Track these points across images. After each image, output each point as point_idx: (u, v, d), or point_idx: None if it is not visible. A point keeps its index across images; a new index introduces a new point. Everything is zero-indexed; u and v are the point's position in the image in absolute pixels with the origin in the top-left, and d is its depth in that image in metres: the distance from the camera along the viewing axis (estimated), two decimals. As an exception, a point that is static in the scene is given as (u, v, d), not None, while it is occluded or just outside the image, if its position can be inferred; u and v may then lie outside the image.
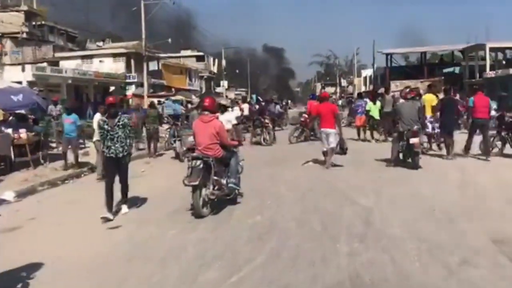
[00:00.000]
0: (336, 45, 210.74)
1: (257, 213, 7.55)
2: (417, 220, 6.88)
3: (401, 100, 13.55)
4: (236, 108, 20.81)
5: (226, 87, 68.29)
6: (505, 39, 38.86)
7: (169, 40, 42.20)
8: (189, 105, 31.24)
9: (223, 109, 12.21)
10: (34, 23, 44.34)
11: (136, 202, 8.74)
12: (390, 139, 15.98)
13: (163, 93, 42.52)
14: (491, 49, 36.53)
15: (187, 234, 6.68)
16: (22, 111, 15.55)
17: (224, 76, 68.51)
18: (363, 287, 4.70)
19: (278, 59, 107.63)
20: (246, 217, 7.37)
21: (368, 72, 60.15)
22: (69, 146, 13.03)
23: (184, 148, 14.75)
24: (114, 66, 44.50)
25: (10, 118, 15.03)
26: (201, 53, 69.74)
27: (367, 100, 19.43)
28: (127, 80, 43.90)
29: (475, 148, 12.84)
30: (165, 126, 20.05)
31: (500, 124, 13.29)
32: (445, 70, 41.89)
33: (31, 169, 12.90)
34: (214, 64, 72.34)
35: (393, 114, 13.05)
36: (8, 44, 36.97)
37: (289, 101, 53.45)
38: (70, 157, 13.15)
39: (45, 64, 34.36)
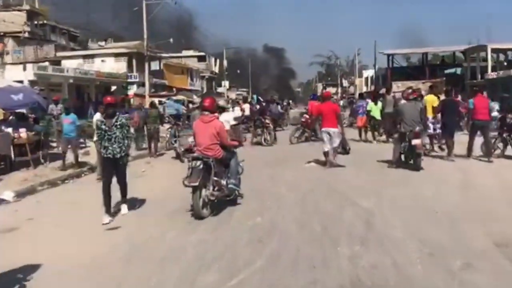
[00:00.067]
0: (337, 46, 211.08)
1: (257, 215, 7.49)
2: (419, 222, 6.81)
3: (403, 101, 13.49)
4: (237, 108, 20.75)
5: (227, 87, 68.29)
6: (507, 40, 38.76)
7: (171, 40, 42.14)
8: (191, 105, 31.20)
9: (221, 110, 12.16)
10: (36, 22, 44.41)
11: (136, 202, 8.69)
12: (391, 140, 15.94)
13: (164, 93, 42.46)
14: (493, 50, 36.44)
15: (187, 235, 6.63)
16: (23, 110, 15.50)
17: (225, 76, 68.49)
18: (364, 291, 4.64)
19: (278, 59, 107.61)
20: (246, 218, 7.31)
21: (369, 73, 60.08)
22: (69, 146, 12.98)
23: (182, 149, 14.73)
24: (115, 66, 44.52)
25: (11, 117, 14.98)
26: (202, 53, 69.76)
27: (369, 100, 19.36)
28: (129, 80, 43.93)
29: (477, 150, 12.77)
30: (166, 126, 20.01)
31: (502, 125, 13.21)
32: (447, 71, 41.79)
33: (31, 169, 12.85)
34: (215, 64, 72.36)
35: (395, 114, 12.97)
36: (10, 43, 37.00)
37: (290, 101, 53.30)
38: (70, 157, 13.10)
39: (46, 63, 34.39)
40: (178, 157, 14.69)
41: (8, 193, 9.88)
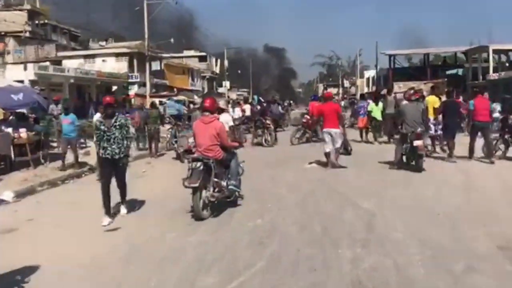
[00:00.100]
0: (338, 46, 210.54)
1: (258, 216, 7.44)
2: (420, 224, 6.76)
3: (404, 102, 13.44)
4: (238, 109, 20.70)
5: (228, 87, 68.28)
6: (509, 41, 38.67)
7: (172, 40, 42.13)
8: (191, 105, 31.17)
9: (220, 111, 12.10)
10: (37, 22, 44.40)
11: (136, 203, 8.65)
12: (392, 140, 15.90)
13: (165, 93, 42.46)
14: (494, 51, 36.37)
15: (187, 236, 6.59)
16: (23, 110, 15.47)
17: (226, 77, 68.48)
18: (365, 294, 4.60)
19: (279, 59, 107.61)
20: (247, 220, 7.27)
21: (371, 73, 60.03)
22: (69, 146, 12.94)
23: (181, 150, 14.70)
24: (116, 66, 44.55)
25: (11, 117, 14.95)
26: (203, 53, 69.75)
27: (370, 101, 19.30)
28: (130, 80, 43.95)
29: (479, 151, 12.71)
30: (167, 126, 19.98)
31: (504, 126, 13.16)
32: (448, 72, 41.72)
33: (31, 169, 12.81)
34: (216, 65, 72.35)
35: (396, 115, 12.93)
36: (11, 43, 36.99)
37: (292, 102, 53.26)
38: (71, 157, 13.07)
39: (47, 63, 34.39)
40: (178, 157, 14.65)
41: (7, 193, 9.83)
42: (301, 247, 5.88)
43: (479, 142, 12.72)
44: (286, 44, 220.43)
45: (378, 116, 17.75)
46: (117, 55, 45.98)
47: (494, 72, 33.99)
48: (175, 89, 46.88)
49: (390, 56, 43.61)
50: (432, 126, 13.58)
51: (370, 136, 18.37)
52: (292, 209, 7.98)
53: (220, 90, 67.92)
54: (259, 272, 5.17)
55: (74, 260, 5.83)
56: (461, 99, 19.46)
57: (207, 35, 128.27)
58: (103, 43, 57.04)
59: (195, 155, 7.78)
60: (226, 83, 67.99)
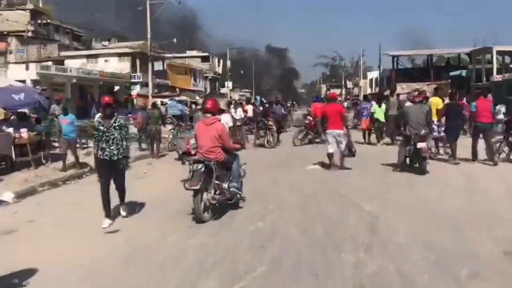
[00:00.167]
0: (341, 47, 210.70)
1: (259, 219, 7.37)
2: (424, 228, 6.67)
3: (408, 103, 13.35)
4: (239, 110, 20.64)
5: (231, 88, 68.22)
6: (513, 42, 38.48)
7: (174, 40, 42.09)
8: (193, 106, 31.11)
9: (220, 111, 12.03)
10: (39, 21, 44.39)
11: (137, 204, 8.58)
12: (395, 142, 15.79)
13: (167, 93, 42.45)
14: (498, 53, 36.16)
15: (187, 239, 6.51)
16: (25, 110, 15.43)
17: (229, 77, 68.43)
18: (368, 300, 4.52)
19: (281, 59, 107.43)
20: (248, 222, 7.19)
21: (374, 74, 59.85)
22: (68, 147, 12.89)
23: (180, 152, 14.62)
24: (119, 66, 44.60)
25: (12, 117, 14.91)
26: (206, 54, 69.74)
27: (373, 102, 19.18)
28: (132, 80, 43.98)
29: (482, 153, 12.60)
30: (168, 127, 19.94)
31: (508, 128, 13.04)
32: (452, 73, 41.52)
33: (32, 169, 12.76)
34: (219, 65, 72.33)
35: (400, 117, 12.83)
36: (13, 43, 36.98)
37: (295, 103, 53.15)
38: (71, 158, 13.01)
39: (49, 63, 34.40)
40: (180, 158, 14.58)
41: (7, 194, 9.78)
42: (303, 251, 5.81)
43: (483, 144, 12.61)
44: (289, 44, 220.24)
45: (381, 118, 17.64)
46: (120, 55, 46.01)
47: (498, 73, 33.78)
48: (177, 90, 46.89)
49: (393, 57, 43.42)
50: (435, 128, 13.47)
51: (373, 137, 18.27)
52: (294, 211, 7.90)
53: (223, 90, 67.90)
54: (260, 276, 5.10)
55: (74, 262, 5.77)
56: (464, 100, 19.36)
57: (210, 35, 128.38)
58: (106, 43, 57.08)
59: (196, 157, 7.71)
60: (229, 84, 67.95)
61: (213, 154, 7.55)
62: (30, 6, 42.61)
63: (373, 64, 68.56)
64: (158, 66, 47.11)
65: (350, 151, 11.87)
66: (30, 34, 39.21)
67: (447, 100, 14.22)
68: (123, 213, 7.87)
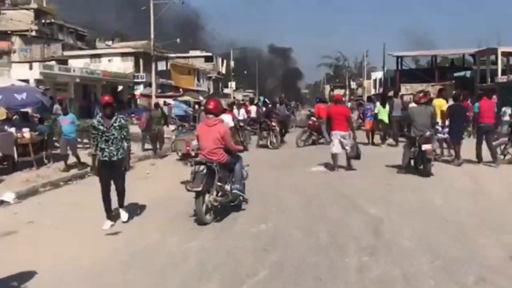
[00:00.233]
0: (345, 47, 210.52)
1: (262, 221, 7.28)
2: (429, 231, 6.56)
3: (412, 104, 13.23)
4: (243, 110, 20.55)
5: (234, 88, 68.14)
6: (518, 43, 38.29)
7: (178, 40, 42.04)
8: (197, 106, 31.06)
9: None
10: (43, 21, 44.44)
11: (138, 205, 8.50)
12: (399, 143, 15.67)
13: (170, 93, 42.42)
14: (503, 54, 35.96)
15: (189, 242, 6.42)
16: (28, 109, 15.37)
17: (232, 77, 68.35)
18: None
19: (285, 60, 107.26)
20: (250, 225, 7.10)
21: (378, 75, 59.70)
22: (68, 147, 12.82)
23: (179, 154, 14.56)
24: (122, 66, 44.62)
25: (15, 117, 14.85)
26: (209, 54, 69.69)
27: (378, 103, 19.04)
28: (135, 80, 43.96)
29: (487, 155, 12.46)
30: (172, 127, 19.87)
31: (513, 130, 12.93)
32: (456, 74, 41.35)
33: (34, 169, 12.69)
34: (222, 65, 72.28)
35: (405, 118, 12.72)
36: (17, 42, 36.97)
37: (299, 104, 52.96)
38: (73, 158, 12.95)
39: (53, 62, 34.40)
40: (180, 159, 14.54)
41: (8, 194, 9.70)
42: (306, 255, 5.72)
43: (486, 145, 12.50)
44: (293, 45, 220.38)
45: (385, 119, 17.50)
46: (123, 55, 46.05)
47: (502, 74, 33.60)
48: (180, 90, 46.84)
49: (397, 57, 43.29)
50: (439, 129, 13.35)
51: (377, 138, 18.15)
52: (297, 213, 7.81)
53: (226, 90, 67.86)
54: (262, 280, 5.01)
55: (74, 263, 5.72)
56: (469, 101, 19.22)
57: (213, 35, 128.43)
58: (110, 42, 57.12)
59: (198, 158, 7.62)
60: (232, 84, 67.86)
61: (215, 155, 7.45)
62: (34, 5, 42.70)
63: (377, 64, 68.42)
64: (162, 66, 47.07)
65: (356, 153, 11.76)
66: (33, 33, 39.24)
67: (451, 102, 14.09)
68: (123, 217, 7.66)
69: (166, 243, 6.43)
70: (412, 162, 11.29)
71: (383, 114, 17.53)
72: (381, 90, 48.54)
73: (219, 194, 7.43)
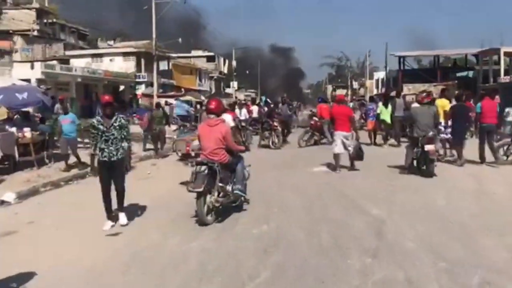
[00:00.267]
0: (347, 47, 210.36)
1: (263, 222, 7.23)
2: (432, 233, 6.50)
3: (415, 104, 13.15)
4: (244, 110, 20.47)
5: (236, 88, 68.08)
6: (520, 43, 38.17)
7: (180, 39, 41.99)
8: (198, 106, 31.05)
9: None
10: (45, 20, 44.43)
11: (139, 206, 8.46)
12: (402, 143, 15.59)
13: (172, 93, 42.38)
14: (506, 54, 35.83)
15: (189, 243, 6.38)
16: (29, 109, 15.33)
17: (234, 77, 68.29)
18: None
19: (287, 59, 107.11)
20: (252, 226, 7.05)
21: (380, 75, 59.59)
22: (68, 147, 12.78)
23: (179, 154, 14.50)
24: (124, 65, 44.58)
25: (16, 116, 14.82)
26: (211, 54, 69.61)
27: (380, 103, 18.95)
28: (137, 80, 43.92)
29: (490, 155, 12.39)
30: (173, 127, 19.82)
31: (516, 131, 12.85)
32: (459, 74, 41.22)
33: (35, 169, 12.66)
34: (224, 65, 72.22)
35: (407, 118, 12.65)
36: (18, 42, 36.94)
37: (301, 104, 52.90)
38: (73, 158, 12.91)
39: (54, 62, 34.37)
40: (181, 159, 14.49)
41: (9, 194, 9.66)
42: (308, 256, 5.66)
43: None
44: (295, 44, 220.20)
45: (387, 119, 17.41)
46: (125, 54, 46.03)
47: (505, 75, 33.49)
48: (182, 89, 46.79)
49: (399, 57, 43.17)
50: (442, 130, 13.28)
51: (379, 139, 18.08)
52: (299, 214, 7.75)
53: (228, 90, 67.79)
54: (263, 282, 4.96)
55: (74, 264, 5.69)
56: (472, 101, 19.13)
57: (215, 34, 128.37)
58: (111, 42, 57.10)
59: (199, 158, 7.56)
60: (234, 84, 67.79)
61: (217, 156, 7.40)
62: (36, 5, 42.67)
63: (379, 64, 68.26)
64: (163, 65, 47.05)
65: (358, 154, 11.71)
66: (35, 33, 39.19)
67: (453, 102, 14.02)
68: (122, 221, 7.50)
69: (167, 244, 6.39)
70: (414, 162, 11.22)
71: (385, 114, 17.45)
72: (383, 90, 48.37)
73: (221, 194, 7.38)
